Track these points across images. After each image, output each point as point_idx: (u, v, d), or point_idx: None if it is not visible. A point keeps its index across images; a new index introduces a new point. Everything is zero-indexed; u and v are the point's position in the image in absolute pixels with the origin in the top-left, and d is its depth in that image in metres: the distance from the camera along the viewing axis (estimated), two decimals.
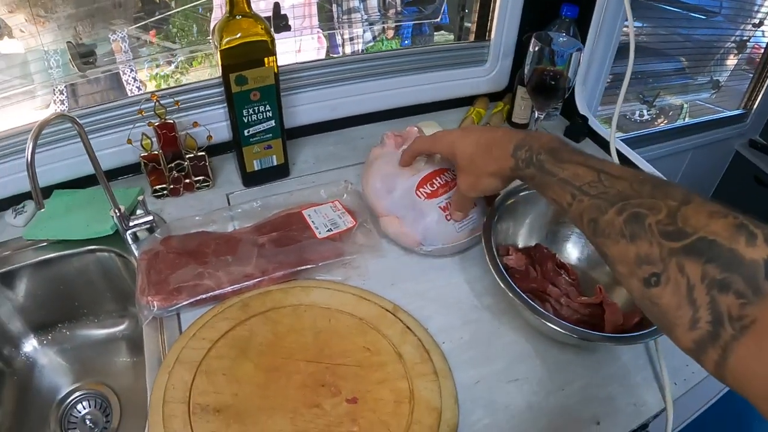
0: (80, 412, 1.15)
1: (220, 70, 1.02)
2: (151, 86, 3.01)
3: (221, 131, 1.19)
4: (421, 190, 1.01)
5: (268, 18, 1.29)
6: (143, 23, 2.54)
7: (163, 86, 3.05)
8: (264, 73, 1.04)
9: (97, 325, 1.23)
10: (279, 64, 1.06)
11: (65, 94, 2.31)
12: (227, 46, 0.99)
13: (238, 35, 0.99)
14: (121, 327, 1.23)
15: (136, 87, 2.58)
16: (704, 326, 0.48)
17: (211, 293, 0.94)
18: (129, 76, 2.52)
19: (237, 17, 0.99)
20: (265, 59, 1.03)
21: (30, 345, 1.19)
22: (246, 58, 1.02)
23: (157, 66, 2.91)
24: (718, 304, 0.47)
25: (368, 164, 1.11)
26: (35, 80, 1.91)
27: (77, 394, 1.17)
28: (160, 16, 2.65)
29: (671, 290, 0.51)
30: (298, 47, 2.57)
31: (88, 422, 1.14)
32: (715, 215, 0.51)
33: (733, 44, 2.73)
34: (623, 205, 0.59)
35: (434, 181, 1.01)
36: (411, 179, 1.02)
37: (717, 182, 2.62)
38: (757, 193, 2.43)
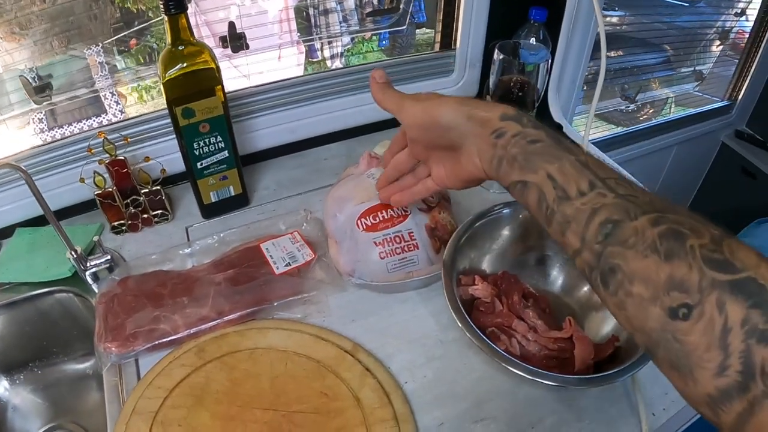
0: None
1: (166, 104, 0.99)
2: (132, 99, 2.98)
3: (175, 162, 1.15)
4: (362, 220, 0.97)
5: (224, 38, 1.26)
6: (120, 35, 2.51)
7: (146, 98, 3.03)
8: (212, 103, 1.01)
9: (66, 362, 1.20)
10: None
11: (43, 113, 2.29)
12: (170, 78, 0.96)
13: (183, 65, 0.96)
14: (90, 363, 1.20)
15: (114, 101, 2.56)
16: (733, 375, 0.42)
17: (168, 338, 0.91)
18: (107, 91, 2.49)
19: (179, 47, 0.95)
20: (213, 88, 1.00)
21: (2, 387, 1.17)
22: (192, 90, 0.98)
23: (139, 79, 2.88)
24: (752, 355, 0.42)
25: (337, 181, 1.08)
26: (12, 100, 1.88)
27: None
28: (137, 28, 2.63)
29: (703, 328, 0.44)
30: (277, 56, 2.55)
31: None
32: (765, 261, 0.45)
33: (717, 33, 2.70)
34: (659, 217, 0.51)
35: (378, 214, 0.97)
36: (356, 207, 0.98)
37: (703, 175, 2.59)
38: (744, 184, 2.40)
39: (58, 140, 1.15)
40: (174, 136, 1.05)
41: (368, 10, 2.45)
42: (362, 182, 0.99)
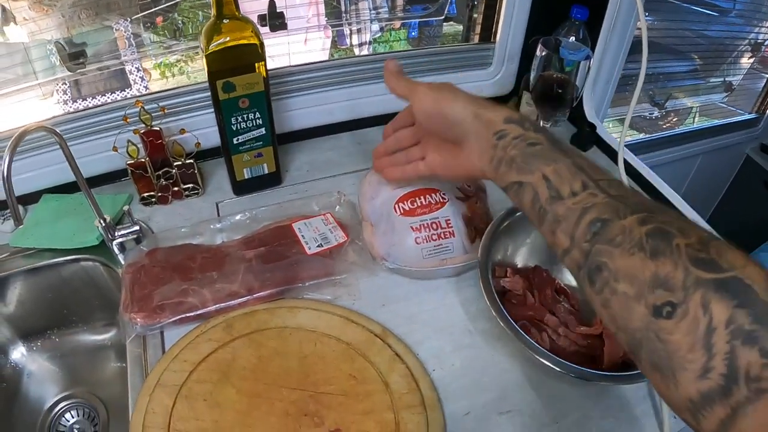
0: (68, 421, 1.14)
1: (207, 76, 0.98)
2: (155, 74, 2.98)
3: (211, 136, 1.15)
4: (399, 204, 0.97)
5: (263, 16, 1.25)
6: (148, 12, 2.52)
7: (168, 75, 3.03)
8: (253, 79, 1.00)
9: (86, 332, 1.21)
10: (272, 66, 1.02)
11: (68, 83, 2.30)
12: (213, 51, 0.95)
13: (226, 39, 0.95)
14: (110, 335, 1.21)
15: (139, 77, 2.56)
16: (716, 378, 0.42)
17: (195, 312, 0.91)
18: (132, 66, 2.50)
19: (224, 20, 0.95)
20: (255, 65, 0.99)
21: (18, 352, 1.17)
22: (234, 64, 0.98)
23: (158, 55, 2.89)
24: (736, 358, 0.41)
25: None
26: (37, 68, 1.89)
27: (65, 402, 1.16)
28: (165, 5, 2.63)
29: (686, 327, 0.44)
30: (304, 39, 2.55)
31: (76, 431, 1.12)
32: (752, 261, 0.45)
33: (748, 45, 2.68)
34: (647, 216, 0.51)
35: (416, 199, 0.98)
36: (394, 191, 0.99)
37: (725, 187, 2.57)
38: (766, 198, 2.38)
39: (93, 107, 1.15)
40: (211, 110, 1.05)
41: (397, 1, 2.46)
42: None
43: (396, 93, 0.85)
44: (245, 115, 1.04)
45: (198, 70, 2.87)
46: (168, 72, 3.05)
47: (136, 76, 2.53)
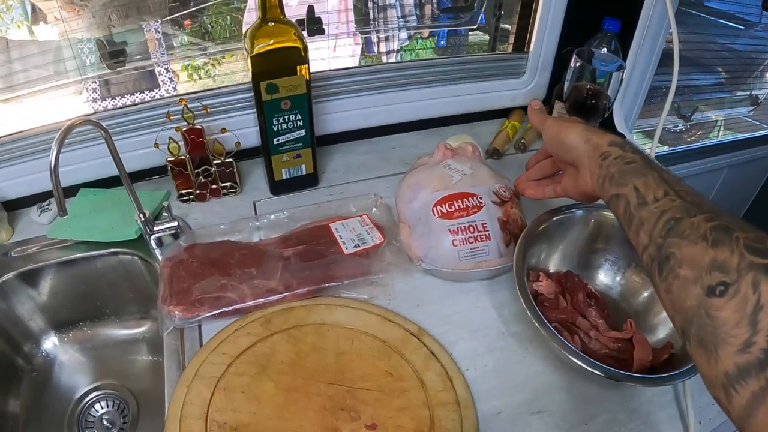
0: (98, 412, 1.15)
1: (251, 77, 1.00)
2: (183, 76, 3.01)
3: (250, 136, 1.17)
4: (437, 207, 1.00)
5: (301, 21, 1.28)
6: (177, 14, 2.54)
7: (195, 77, 3.06)
8: (296, 81, 1.02)
9: (118, 325, 1.22)
10: (311, 70, 1.04)
11: (97, 82, 2.33)
12: (258, 53, 0.97)
13: (270, 42, 0.97)
14: (143, 329, 1.22)
15: (168, 78, 2.58)
16: (756, 352, 0.44)
17: (234, 306, 0.93)
18: (162, 67, 2.52)
19: (269, 23, 0.97)
20: (297, 67, 1.01)
21: (50, 342, 1.19)
22: (277, 66, 1.00)
23: (183, 60, 2.92)
24: None
25: (410, 169, 1.12)
26: (68, 67, 1.91)
27: (95, 393, 1.17)
28: (194, 8, 2.65)
29: (736, 304, 0.47)
30: (333, 45, 2.57)
31: (105, 422, 1.14)
32: None
33: None
34: (715, 216, 0.56)
35: (454, 203, 1.00)
36: (433, 194, 1.01)
37: (750, 202, 2.56)
38: None
39: (135, 104, 1.17)
40: (251, 110, 1.07)
41: (427, 7, 2.47)
42: (438, 171, 1.01)
43: (533, 124, 0.97)
44: (286, 117, 1.06)
45: (225, 73, 2.91)
46: (195, 74, 3.08)
47: (165, 77, 2.56)
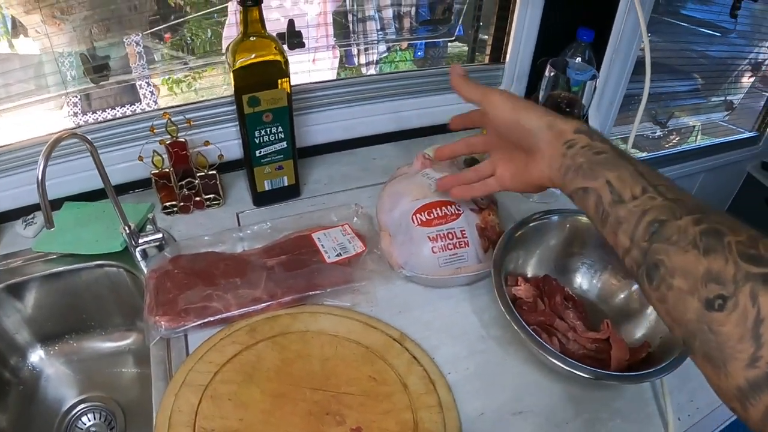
0: (85, 424, 1.16)
1: (233, 91, 1.02)
2: (163, 90, 3.01)
3: (233, 149, 1.19)
4: (417, 215, 1.01)
5: (282, 35, 1.30)
6: (158, 28, 2.55)
7: (176, 90, 3.06)
8: (277, 95, 1.04)
9: (104, 337, 1.23)
10: (293, 83, 1.06)
11: (78, 96, 2.33)
12: (240, 66, 0.99)
13: (252, 56, 0.99)
14: (129, 341, 1.23)
15: (149, 91, 2.59)
16: (763, 366, 0.44)
17: (219, 316, 0.94)
18: (143, 81, 2.53)
19: (251, 38, 0.99)
20: (279, 81, 1.03)
21: (37, 355, 1.19)
22: (259, 79, 1.02)
23: (164, 74, 2.92)
24: None
25: (390, 179, 1.13)
26: (49, 82, 1.91)
27: (82, 406, 1.17)
28: (175, 22, 2.66)
29: (737, 318, 0.46)
30: (312, 58, 2.58)
31: None
32: None
33: (748, 64, 2.71)
34: (702, 216, 0.54)
35: (433, 211, 1.01)
36: (412, 203, 1.03)
37: (727, 205, 2.60)
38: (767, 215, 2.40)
39: (119, 118, 1.18)
40: (233, 124, 1.09)
41: (406, 19, 2.49)
42: (417, 180, 1.03)
43: (468, 97, 0.86)
44: (268, 129, 1.08)
45: (206, 87, 2.91)
46: (176, 88, 3.07)
47: (146, 90, 2.56)
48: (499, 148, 0.87)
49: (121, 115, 2.27)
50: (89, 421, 1.16)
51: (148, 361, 0.92)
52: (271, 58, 1.01)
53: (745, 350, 0.45)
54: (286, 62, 1.03)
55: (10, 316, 1.12)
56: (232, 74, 1.00)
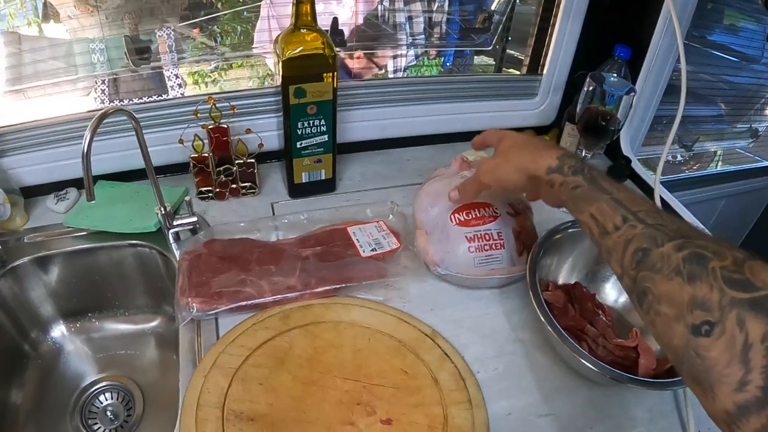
0: (102, 403, 1.16)
1: (280, 81, 1.03)
2: (189, 82, 3.03)
3: (271, 140, 1.20)
4: (455, 215, 1.02)
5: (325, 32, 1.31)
6: (189, 22, 2.56)
7: (201, 84, 3.08)
8: (323, 88, 1.06)
9: (127, 318, 1.24)
10: None
11: (107, 83, 2.34)
12: (289, 57, 1.01)
13: (301, 48, 1.01)
14: (153, 324, 1.24)
15: (177, 84, 2.60)
16: (753, 390, 0.44)
17: (252, 301, 0.95)
18: (171, 72, 2.54)
19: (301, 30, 1.01)
20: (325, 74, 1.05)
21: (58, 331, 1.20)
22: (306, 72, 1.03)
23: (197, 63, 2.93)
24: None
25: (427, 178, 1.14)
26: (78, 68, 1.93)
27: (101, 384, 1.18)
28: (206, 17, 2.67)
29: (724, 344, 0.47)
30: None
31: (109, 414, 1.14)
32: None
33: None
34: (684, 242, 0.55)
35: (471, 211, 1.03)
36: (451, 203, 1.03)
37: (747, 232, 2.59)
38: None
39: (161, 99, 1.19)
40: (276, 114, 1.09)
41: (437, 28, 2.49)
42: (456, 181, 1.03)
43: (471, 198, 0.99)
44: (311, 121, 1.10)
45: (231, 79, 2.93)
46: (201, 81, 3.09)
47: (174, 82, 2.57)
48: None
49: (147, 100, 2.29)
50: (106, 400, 1.16)
51: (171, 345, 0.93)
52: (319, 51, 1.02)
53: (733, 374, 0.46)
54: (334, 57, 1.04)
55: (35, 288, 1.13)
56: (280, 64, 1.01)
